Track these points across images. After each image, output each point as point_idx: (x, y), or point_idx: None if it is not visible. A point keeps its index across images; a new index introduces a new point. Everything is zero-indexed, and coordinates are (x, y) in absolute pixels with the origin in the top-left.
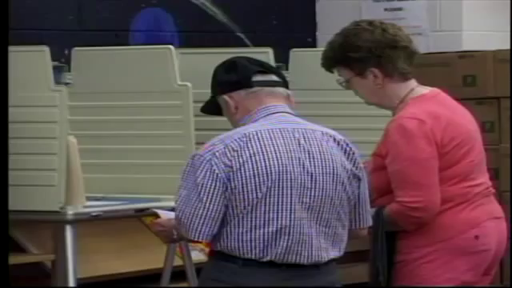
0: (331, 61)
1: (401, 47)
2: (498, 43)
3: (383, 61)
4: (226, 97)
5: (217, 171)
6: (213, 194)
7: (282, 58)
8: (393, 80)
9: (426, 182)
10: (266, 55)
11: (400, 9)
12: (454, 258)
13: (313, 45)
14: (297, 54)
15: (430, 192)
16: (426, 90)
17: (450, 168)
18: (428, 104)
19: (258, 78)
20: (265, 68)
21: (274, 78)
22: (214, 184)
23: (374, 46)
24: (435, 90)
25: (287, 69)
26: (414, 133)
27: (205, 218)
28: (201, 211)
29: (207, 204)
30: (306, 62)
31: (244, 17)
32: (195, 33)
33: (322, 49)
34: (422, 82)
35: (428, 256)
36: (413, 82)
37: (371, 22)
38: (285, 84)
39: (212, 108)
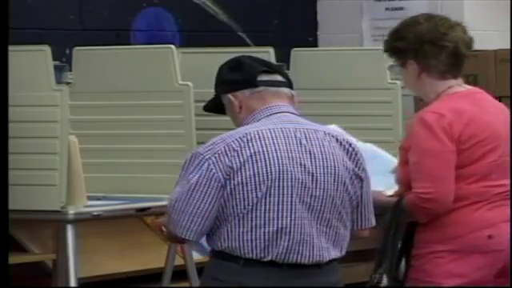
0: (384, 45)
1: (442, 46)
2: (500, 43)
3: (419, 55)
4: (230, 96)
5: (214, 171)
6: (206, 193)
7: (283, 58)
8: (430, 75)
9: (439, 173)
10: (267, 54)
11: (401, 8)
12: (465, 256)
13: (314, 44)
14: (298, 54)
15: (442, 184)
16: (463, 88)
17: (468, 166)
18: (456, 100)
19: (263, 77)
20: (270, 68)
21: (279, 78)
22: (208, 183)
23: (414, 40)
24: (474, 89)
25: (288, 68)
26: (431, 126)
27: (194, 216)
28: (191, 209)
29: (198, 203)
30: (306, 61)
31: (245, 16)
32: (196, 32)
33: (323, 48)
34: None
35: (439, 252)
36: (453, 81)
37: (431, 16)
38: (289, 84)
39: (215, 106)
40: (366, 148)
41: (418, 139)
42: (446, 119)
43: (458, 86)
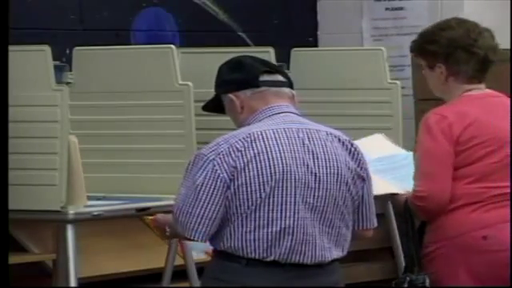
0: (412, 45)
1: (473, 52)
2: (500, 42)
3: (450, 60)
4: (231, 96)
5: (219, 171)
6: (212, 194)
7: (283, 58)
8: (457, 80)
9: (431, 172)
10: (268, 54)
11: (401, 8)
12: (463, 256)
13: (314, 44)
14: (298, 54)
15: (434, 182)
16: (479, 91)
17: (467, 166)
18: (464, 103)
19: (264, 77)
20: (271, 68)
21: (280, 78)
22: (214, 184)
23: (446, 44)
24: (490, 92)
25: (288, 68)
26: (431, 126)
27: (202, 218)
28: (198, 210)
29: (205, 204)
30: (307, 61)
31: (245, 16)
32: (196, 32)
33: (323, 48)
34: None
35: (435, 251)
36: (474, 85)
37: (463, 21)
38: (290, 84)
39: (214, 106)
40: (410, 154)
41: (419, 139)
42: (446, 120)
43: (478, 90)
